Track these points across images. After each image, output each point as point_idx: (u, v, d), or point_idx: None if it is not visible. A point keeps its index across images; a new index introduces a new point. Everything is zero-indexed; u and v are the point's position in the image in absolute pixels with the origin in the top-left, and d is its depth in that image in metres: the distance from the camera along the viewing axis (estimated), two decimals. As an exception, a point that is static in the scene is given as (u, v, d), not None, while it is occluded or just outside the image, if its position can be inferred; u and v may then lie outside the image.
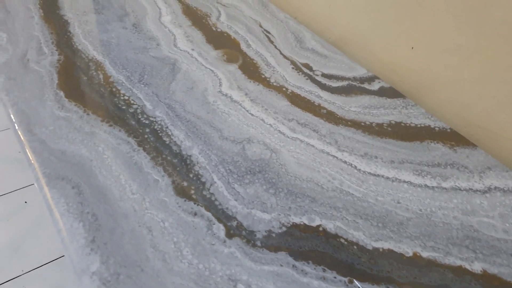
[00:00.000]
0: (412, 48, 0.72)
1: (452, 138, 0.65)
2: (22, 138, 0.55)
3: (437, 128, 0.67)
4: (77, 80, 0.65)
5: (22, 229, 1.36)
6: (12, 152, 1.68)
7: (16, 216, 1.40)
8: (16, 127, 0.56)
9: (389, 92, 0.72)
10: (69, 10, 0.82)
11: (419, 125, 0.67)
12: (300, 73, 0.74)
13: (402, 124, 0.66)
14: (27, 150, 0.53)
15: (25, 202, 1.47)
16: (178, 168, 0.54)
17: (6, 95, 0.61)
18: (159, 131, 0.59)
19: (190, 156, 0.56)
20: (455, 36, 0.65)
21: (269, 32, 0.84)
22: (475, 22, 0.62)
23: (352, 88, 0.72)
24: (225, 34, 0.81)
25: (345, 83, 0.73)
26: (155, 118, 0.61)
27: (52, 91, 0.63)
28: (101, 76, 0.67)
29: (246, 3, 0.93)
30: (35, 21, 0.77)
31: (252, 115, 0.64)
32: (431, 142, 0.64)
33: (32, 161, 0.52)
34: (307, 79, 0.73)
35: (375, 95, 0.71)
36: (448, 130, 0.66)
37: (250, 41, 0.80)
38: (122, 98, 0.63)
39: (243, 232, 0.48)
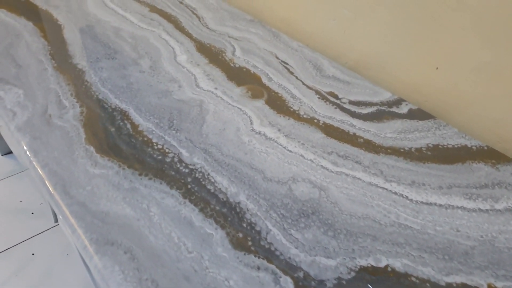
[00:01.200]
0: (437, 68, 0.72)
1: (491, 156, 0.65)
2: (61, 202, 0.52)
3: (474, 147, 0.66)
4: (105, 132, 0.63)
5: (32, 284, 1.29)
6: (13, 202, 1.62)
7: (25, 270, 1.34)
8: (52, 191, 0.53)
9: (419, 114, 0.72)
10: (81, 58, 0.80)
11: (456, 146, 0.66)
12: (328, 102, 0.73)
13: (440, 147, 0.66)
14: (68, 216, 0.50)
15: (33, 254, 1.41)
16: (229, 218, 0.51)
17: (35, 157, 0.58)
18: (201, 179, 0.56)
19: (238, 203, 0.53)
20: (481, 53, 0.66)
21: (286, 63, 0.83)
22: (502, 38, 0.63)
23: (382, 113, 0.71)
24: (244, 69, 0.80)
25: (374, 108, 0.72)
26: (194, 165, 0.58)
27: (81, 147, 0.60)
28: (128, 125, 0.64)
29: (258, 35, 0.92)
30: (49, 73, 0.75)
31: (290, 151, 0.62)
32: (473, 162, 0.63)
33: (76, 227, 0.49)
34: (335, 108, 0.72)
35: (406, 118, 0.71)
36: (485, 148, 0.66)
37: (270, 74, 0.79)
38: (155, 147, 0.61)
39: (312, 283, 0.45)
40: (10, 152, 1.86)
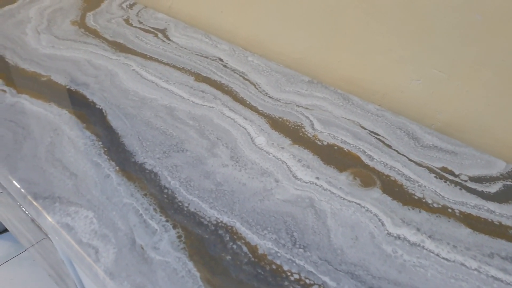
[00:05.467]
0: (560, 133, 0.65)
1: None
2: None
3: None
4: (221, 263, 0.50)
5: None
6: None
7: None
8: None
9: (547, 185, 0.65)
10: (145, 154, 0.66)
11: None
12: (448, 182, 0.64)
13: None
14: None
15: None
16: None
17: (149, 318, 0.44)
18: (369, 322, 0.45)
19: None
20: None
21: (377, 134, 0.74)
22: None
23: (511, 190, 0.63)
24: (336, 147, 0.70)
25: (499, 185, 0.64)
26: (350, 300, 0.47)
27: (201, 291, 0.47)
28: (245, 248, 0.52)
29: (326, 100, 0.83)
30: (115, 181, 0.61)
31: (447, 260, 0.52)
32: None
33: None
34: (460, 189, 0.63)
35: (538, 193, 0.63)
36: None
37: (367, 151, 0.69)
38: (291, 278, 0.49)
39: None
40: (2, 232, 1.63)
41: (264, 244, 0.53)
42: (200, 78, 0.88)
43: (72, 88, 0.83)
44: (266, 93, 0.84)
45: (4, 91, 0.81)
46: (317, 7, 0.85)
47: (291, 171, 0.65)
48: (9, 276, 1.49)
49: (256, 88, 0.86)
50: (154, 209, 0.57)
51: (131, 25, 1.11)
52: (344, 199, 0.60)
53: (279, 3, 0.92)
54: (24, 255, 1.55)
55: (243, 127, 0.74)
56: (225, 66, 0.93)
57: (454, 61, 0.71)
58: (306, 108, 0.80)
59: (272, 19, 0.96)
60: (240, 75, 0.90)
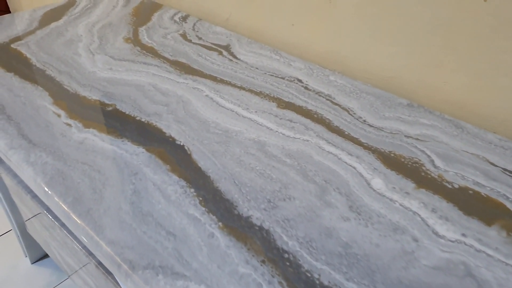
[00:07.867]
0: None
1: None
2: None
3: None
4: None
5: None
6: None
7: None
8: None
9: None
10: (248, 205, 0.56)
11: None
12: None
13: None
14: None
15: None
16: None
17: None
18: None
19: None
20: None
21: (513, 173, 0.62)
22: None
23: None
24: (470, 192, 0.59)
25: None
26: None
27: None
28: None
29: (437, 128, 0.71)
30: (222, 243, 0.51)
31: None
32: None
33: None
34: None
35: None
36: None
37: (510, 196, 0.58)
38: None
39: None
40: (43, 258, 1.55)
41: (431, 333, 0.42)
42: (282, 104, 0.78)
43: (143, 120, 0.73)
44: (364, 121, 0.73)
45: (70, 125, 0.71)
46: (423, 20, 0.73)
47: (428, 226, 0.54)
48: (52, 305, 1.41)
49: (351, 115, 0.75)
50: (280, 283, 0.46)
51: (190, 41, 1.01)
52: (506, 264, 0.49)
53: (368, 16, 0.81)
54: (66, 284, 1.46)
55: (351, 165, 0.63)
56: (306, 88, 0.83)
57: None
58: (417, 139, 0.69)
59: (357, 33, 0.85)
60: (327, 99, 0.79)
